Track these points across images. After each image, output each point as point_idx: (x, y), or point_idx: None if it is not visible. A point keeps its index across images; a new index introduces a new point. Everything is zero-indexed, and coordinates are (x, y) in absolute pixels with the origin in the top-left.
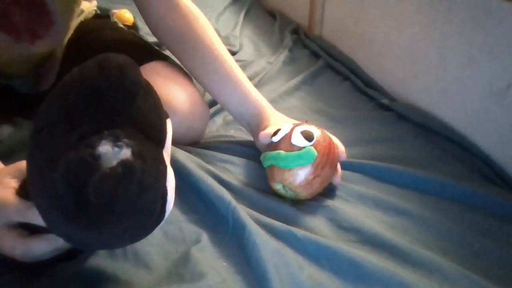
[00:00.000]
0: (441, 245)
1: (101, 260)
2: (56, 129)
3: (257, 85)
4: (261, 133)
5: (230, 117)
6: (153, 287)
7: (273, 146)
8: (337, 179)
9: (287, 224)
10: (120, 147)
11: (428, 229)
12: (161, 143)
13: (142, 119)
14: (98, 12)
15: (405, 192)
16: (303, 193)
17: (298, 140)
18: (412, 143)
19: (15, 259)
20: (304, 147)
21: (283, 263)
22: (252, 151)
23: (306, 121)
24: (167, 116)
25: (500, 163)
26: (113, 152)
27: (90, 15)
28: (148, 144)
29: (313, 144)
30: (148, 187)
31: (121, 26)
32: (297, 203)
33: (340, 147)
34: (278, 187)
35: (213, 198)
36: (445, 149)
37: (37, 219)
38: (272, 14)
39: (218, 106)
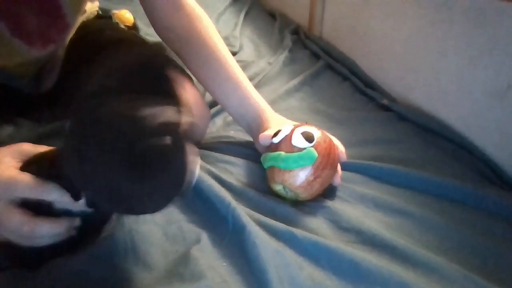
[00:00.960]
0: (441, 245)
1: (101, 258)
2: (116, 93)
3: (257, 86)
4: (261, 134)
5: (230, 118)
6: (153, 286)
7: (273, 147)
8: (337, 180)
9: (287, 225)
10: (178, 111)
11: (428, 229)
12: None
13: (176, 91)
14: (100, 12)
15: (405, 193)
16: (304, 194)
17: (298, 141)
18: (412, 143)
19: (15, 241)
20: (304, 148)
21: (283, 263)
22: (252, 152)
23: (306, 123)
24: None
25: (500, 163)
26: (173, 114)
27: (92, 16)
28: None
29: (313, 145)
30: (187, 152)
31: (122, 27)
32: (297, 203)
33: (340, 148)
34: (278, 188)
35: (213, 198)
36: (445, 149)
37: (49, 195)
38: (272, 15)
39: (218, 107)
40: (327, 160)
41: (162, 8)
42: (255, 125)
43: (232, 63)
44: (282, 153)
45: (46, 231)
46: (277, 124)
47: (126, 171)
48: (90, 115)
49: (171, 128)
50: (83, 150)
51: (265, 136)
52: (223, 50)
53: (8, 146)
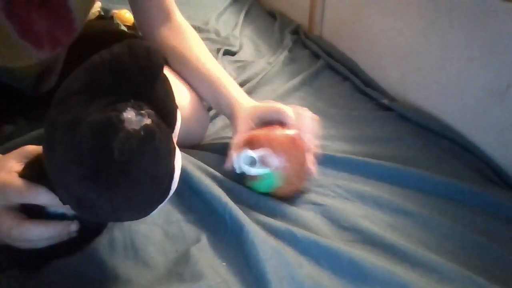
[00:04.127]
0: (440, 245)
1: (101, 258)
2: (81, 98)
3: (257, 86)
4: (225, 165)
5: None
6: (153, 286)
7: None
8: (311, 168)
9: (287, 224)
10: (143, 115)
11: (428, 229)
12: (171, 127)
13: (159, 100)
14: (102, 13)
15: (405, 192)
16: (289, 194)
17: (253, 170)
18: (412, 143)
19: (11, 245)
20: (263, 174)
21: (282, 262)
22: None
23: (252, 132)
24: (177, 107)
25: (500, 163)
26: (136, 119)
27: (94, 16)
28: (163, 123)
29: (270, 167)
30: (162, 156)
31: (123, 27)
32: (296, 202)
33: (309, 125)
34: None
35: (211, 199)
36: (445, 149)
37: (36, 199)
38: (272, 15)
39: None
40: (291, 164)
41: (154, 15)
42: (231, 117)
43: (209, 64)
44: (250, 182)
45: (36, 235)
46: (241, 121)
47: (89, 182)
48: (55, 121)
49: (136, 135)
50: (51, 157)
51: (228, 167)
52: (203, 58)
53: (15, 150)
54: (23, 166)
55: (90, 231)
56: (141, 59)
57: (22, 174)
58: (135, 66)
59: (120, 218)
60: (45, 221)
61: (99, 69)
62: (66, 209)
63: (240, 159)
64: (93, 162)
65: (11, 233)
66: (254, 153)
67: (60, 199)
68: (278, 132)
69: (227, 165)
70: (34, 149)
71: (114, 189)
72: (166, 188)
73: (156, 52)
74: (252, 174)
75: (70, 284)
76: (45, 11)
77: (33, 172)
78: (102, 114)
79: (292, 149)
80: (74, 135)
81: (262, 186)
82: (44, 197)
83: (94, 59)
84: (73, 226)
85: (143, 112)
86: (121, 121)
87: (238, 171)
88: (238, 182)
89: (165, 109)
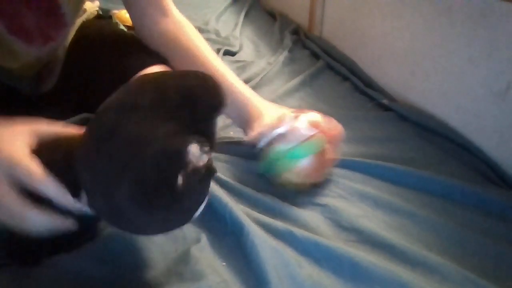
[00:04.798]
0: (441, 245)
1: (100, 257)
2: (147, 114)
3: (257, 86)
4: (255, 133)
5: (229, 120)
6: (153, 285)
7: (278, 138)
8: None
9: (287, 224)
10: (204, 152)
11: (428, 229)
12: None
13: (214, 135)
14: (100, 12)
15: (405, 192)
16: (307, 180)
17: (304, 129)
18: (412, 143)
19: (7, 223)
20: (311, 136)
21: (283, 263)
22: (251, 152)
23: (302, 110)
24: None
25: (500, 163)
26: (199, 154)
27: (92, 16)
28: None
29: (315, 133)
30: (208, 190)
31: (122, 27)
32: (297, 202)
33: (339, 128)
34: (285, 178)
35: (211, 199)
36: (445, 149)
37: (45, 190)
38: (272, 15)
39: None
40: (329, 143)
41: (151, 14)
42: (245, 114)
43: (218, 65)
44: (284, 145)
45: (37, 220)
46: (269, 110)
47: (139, 202)
48: (115, 127)
49: (199, 172)
50: (98, 160)
51: (268, 126)
52: (208, 53)
53: (24, 121)
54: (35, 143)
55: (85, 233)
56: (212, 95)
57: (37, 155)
58: (206, 101)
59: (143, 233)
60: (48, 211)
61: (169, 92)
62: (70, 207)
63: (300, 121)
64: (151, 186)
65: (13, 209)
66: (307, 116)
67: (90, 201)
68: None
69: (261, 135)
70: (46, 127)
71: (160, 213)
72: (195, 214)
73: (223, 90)
74: (307, 134)
75: (69, 282)
76: (33, 6)
77: (50, 158)
78: (172, 144)
79: (333, 133)
80: (138, 153)
81: (304, 149)
82: (53, 191)
83: (165, 79)
84: (72, 224)
85: (205, 149)
86: (187, 154)
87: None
88: (240, 182)
89: (214, 141)
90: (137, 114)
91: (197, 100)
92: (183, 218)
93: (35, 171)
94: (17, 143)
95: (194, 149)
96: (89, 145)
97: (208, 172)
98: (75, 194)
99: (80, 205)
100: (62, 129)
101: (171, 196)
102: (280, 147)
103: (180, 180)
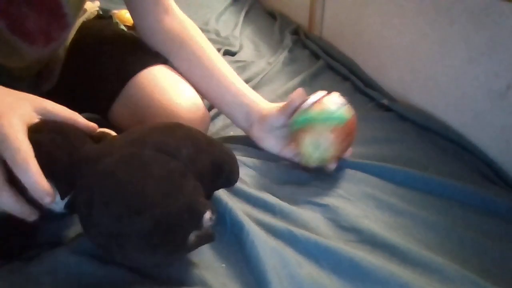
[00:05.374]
0: (441, 245)
1: (100, 257)
2: (185, 162)
3: (257, 86)
4: (276, 111)
5: (229, 120)
6: (151, 287)
7: (306, 107)
8: (349, 151)
9: (287, 223)
10: (212, 219)
11: (428, 229)
12: None
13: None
14: (100, 12)
15: (405, 192)
16: (332, 153)
17: (333, 101)
18: (412, 143)
19: None
20: (338, 108)
21: (282, 263)
22: (251, 151)
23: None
24: None
25: (500, 163)
26: (210, 219)
27: (92, 16)
28: None
29: (345, 106)
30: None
31: (123, 27)
32: (297, 202)
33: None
34: (308, 147)
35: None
36: (445, 149)
37: (22, 175)
38: (272, 15)
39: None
40: (353, 123)
41: (153, 12)
42: (246, 114)
43: (222, 65)
44: (318, 110)
45: (4, 199)
46: (269, 109)
47: (146, 246)
48: (139, 154)
49: (207, 236)
50: (110, 190)
51: (282, 111)
52: (213, 52)
53: (28, 95)
54: (37, 120)
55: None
56: (235, 172)
57: (36, 132)
58: (229, 176)
59: (134, 264)
60: (20, 198)
61: (203, 154)
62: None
63: (331, 94)
64: (163, 236)
65: None
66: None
67: (87, 233)
68: None
69: (281, 113)
70: (51, 107)
71: (161, 257)
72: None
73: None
74: (341, 101)
75: (67, 283)
76: (36, 7)
77: (46, 147)
78: (198, 202)
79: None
80: (165, 198)
81: (341, 113)
82: (31, 180)
83: (201, 143)
84: (34, 217)
85: (213, 217)
86: (203, 218)
87: (310, 101)
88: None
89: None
90: (174, 160)
91: (223, 173)
92: (176, 259)
93: (23, 152)
94: (15, 116)
95: (208, 215)
96: (114, 169)
97: (213, 237)
98: (62, 196)
99: (54, 205)
100: (70, 115)
101: (178, 248)
102: (317, 110)
103: (191, 238)
